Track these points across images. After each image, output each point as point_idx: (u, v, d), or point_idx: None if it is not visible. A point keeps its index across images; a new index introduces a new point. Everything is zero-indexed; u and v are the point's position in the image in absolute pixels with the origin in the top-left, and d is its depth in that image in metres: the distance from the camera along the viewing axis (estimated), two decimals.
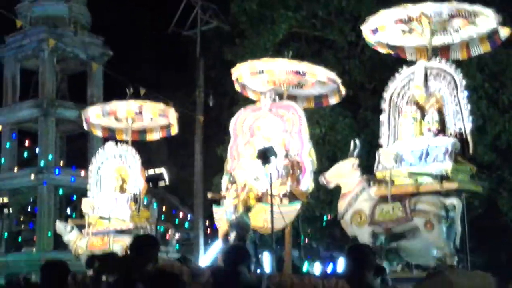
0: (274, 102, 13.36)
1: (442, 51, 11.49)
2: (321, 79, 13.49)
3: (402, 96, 11.18)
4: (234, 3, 22.80)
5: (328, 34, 22.91)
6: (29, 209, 28.62)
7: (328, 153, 20.58)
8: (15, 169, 27.52)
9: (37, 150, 27.06)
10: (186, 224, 30.32)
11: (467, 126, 10.59)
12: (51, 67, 27.13)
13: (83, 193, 26.11)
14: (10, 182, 27.06)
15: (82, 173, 24.13)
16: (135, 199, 14.91)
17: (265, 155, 10.03)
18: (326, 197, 19.89)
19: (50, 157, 26.61)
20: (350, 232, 11.12)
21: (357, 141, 11.43)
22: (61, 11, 27.71)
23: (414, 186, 10.56)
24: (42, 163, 26.63)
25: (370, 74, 22.51)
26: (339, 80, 13.83)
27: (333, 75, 13.76)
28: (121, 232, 14.75)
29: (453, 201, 10.35)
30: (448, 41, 11.45)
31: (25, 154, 28.46)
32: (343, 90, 13.97)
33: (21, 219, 28.92)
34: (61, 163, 28.22)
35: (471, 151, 10.58)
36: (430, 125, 10.75)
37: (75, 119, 24.14)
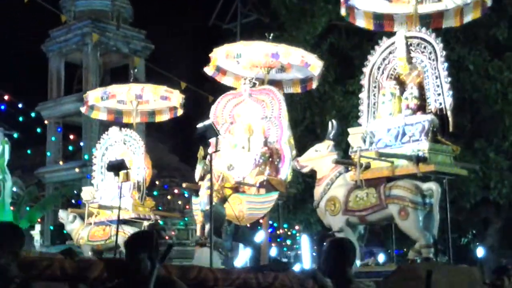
0: (253, 87, 12.21)
1: (434, 19, 10.05)
2: (294, 62, 12.24)
3: (382, 70, 9.74)
4: None
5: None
6: (73, 202, 28.25)
7: None
8: (60, 162, 27.25)
9: (82, 143, 26.72)
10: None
11: (447, 101, 9.09)
12: (95, 61, 26.76)
13: None
14: (55, 175, 26.86)
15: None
16: (138, 187, 13.79)
17: (203, 135, 8.86)
18: None
19: (94, 150, 26.10)
20: (326, 222, 9.79)
21: (334, 122, 10.11)
22: (104, 5, 27.38)
23: (390, 170, 9.12)
24: (86, 157, 26.23)
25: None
26: (316, 63, 12.44)
27: (310, 58, 12.40)
28: (124, 222, 13.77)
29: (430, 185, 8.91)
30: (441, 7, 9.99)
31: (70, 148, 28.11)
32: (317, 73, 12.62)
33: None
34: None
35: (451, 128, 9.08)
36: (408, 101, 9.31)
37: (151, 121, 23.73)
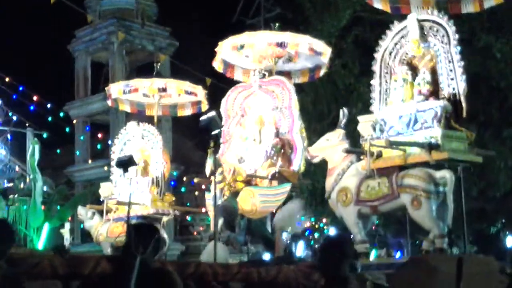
0: (263, 78, 11.86)
1: (452, 5, 9.53)
2: (302, 51, 11.87)
3: (394, 55, 9.33)
4: None
5: (391, 17, 21.84)
6: (102, 200, 28.23)
7: None
8: (89, 161, 27.23)
9: (109, 142, 26.61)
10: None
11: (460, 85, 8.66)
12: (121, 59, 26.66)
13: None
14: (84, 173, 26.85)
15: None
16: (157, 182, 13.54)
17: (207, 127, 8.58)
18: None
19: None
20: (338, 213, 9.44)
21: (345, 110, 9.75)
22: (128, 4, 27.25)
23: (402, 158, 8.72)
24: None
25: None
26: (325, 50, 12.11)
27: (319, 45, 12.04)
28: (142, 218, 13.54)
29: (444, 173, 8.52)
30: None
31: (98, 146, 28.08)
32: (325, 60, 12.27)
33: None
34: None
35: (464, 114, 8.66)
36: (420, 86, 8.89)
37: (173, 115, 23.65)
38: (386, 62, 9.34)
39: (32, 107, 24.96)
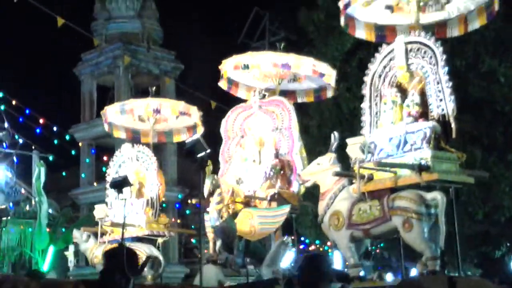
0: (263, 98, 11.89)
1: (438, 29, 9.56)
2: (306, 73, 11.92)
3: (383, 78, 9.26)
4: (302, 14, 22.04)
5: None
6: None
7: None
8: (94, 184, 27.29)
9: None
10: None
11: (449, 106, 8.56)
12: (126, 82, 26.85)
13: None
14: (89, 196, 26.89)
15: None
16: (152, 204, 13.49)
17: (192, 150, 8.54)
18: None
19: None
20: (330, 237, 9.33)
21: (336, 134, 9.70)
22: (134, 28, 27.47)
23: (392, 180, 8.63)
24: None
25: None
26: (329, 72, 12.12)
27: (322, 67, 12.05)
28: (137, 239, 13.46)
29: (435, 195, 8.41)
30: (444, 16, 9.50)
31: (103, 169, 28.12)
32: (332, 83, 12.29)
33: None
34: None
35: (453, 134, 8.59)
36: (410, 108, 8.81)
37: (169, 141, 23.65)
38: (376, 85, 9.29)
39: (38, 130, 25.11)
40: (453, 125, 8.59)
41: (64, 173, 26.91)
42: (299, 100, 12.83)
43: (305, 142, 13.07)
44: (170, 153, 25.68)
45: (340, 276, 7.73)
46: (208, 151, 8.30)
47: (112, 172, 14.17)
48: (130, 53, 25.37)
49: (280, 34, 25.74)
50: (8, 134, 25.04)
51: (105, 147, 28.01)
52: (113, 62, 26.70)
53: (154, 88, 14.53)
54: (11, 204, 24.64)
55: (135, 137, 14.92)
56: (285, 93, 12.48)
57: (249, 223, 11.00)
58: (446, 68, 8.69)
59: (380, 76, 9.30)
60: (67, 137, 26.04)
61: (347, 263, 9.05)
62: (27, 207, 24.91)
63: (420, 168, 8.41)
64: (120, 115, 14.08)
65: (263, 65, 11.88)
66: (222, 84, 12.66)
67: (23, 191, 25.42)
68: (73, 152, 26.13)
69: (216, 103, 20.54)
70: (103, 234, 13.40)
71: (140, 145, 13.95)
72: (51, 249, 24.04)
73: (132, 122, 14.36)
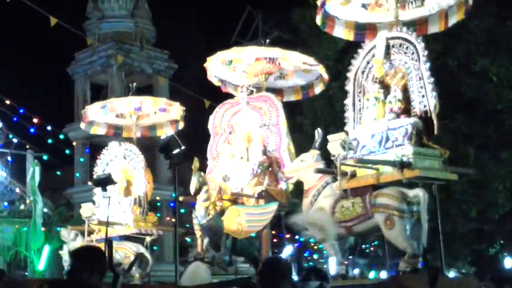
0: (251, 94, 11.68)
1: (419, 26, 9.44)
2: (295, 64, 11.69)
3: (366, 74, 9.20)
4: (295, 13, 22.02)
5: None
6: None
7: None
8: (89, 183, 27.18)
9: None
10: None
11: (431, 102, 8.49)
12: (120, 81, 26.80)
13: (153, 205, 25.38)
14: (84, 195, 26.76)
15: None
16: (139, 202, 13.41)
17: (167, 147, 8.43)
18: None
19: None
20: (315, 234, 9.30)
21: (319, 131, 9.60)
22: (127, 27, 27.46)
23: (375, 177, 8.58)
24: None
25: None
26: (317, 65, 11.96)
27: (310, 60, 11.88)
28: (126, 238, 13.36)
29: (417, 192, 8.32)
30: (424, 12, 9.40)
31: None
32: (325, 76, 12.14)
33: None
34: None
35: (435, 131, 8.50)
36: (392, 104, 8.76)
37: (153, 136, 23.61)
38: (359, 81, 9.24)
39: (32, 130, 25.02)
40: (435, 121, 8.53)
41: (58, 172, 26.82)
42: (286, 98, 12.60)
43: (298, 141, 12.96)
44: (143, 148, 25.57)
45: (318, 274, 7.68)
46: (183, 148, 8.23)
47: (99, 170, 14.07)
48: (123, 53, 25.33)
49: (273, 33, 25.66)
50: (2, 134, 24.98)
51: (99, 146, 27.90)
52: (107, 61, 26.67)
53: (135, 84, 14.47)
54: (5, 203, 24.59)
55: (116, 133, 14.84)
56: (272, 91, 12.23)
57: (236, 221, 10.83)
58: (428, 64, 8.64)
59: (363, 72, 9.26)
60: (61, 137, 25.93)
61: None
62: (22, 206, 24.86)
63: (402, 165, 8.36)
64: (102, 114, 14.02)
65: (246, 59, 11.64)
66: (215, 80, 12.49)
67: (17, 190, 25.36)
68: (67, 151, 26.01)
69: (209, 102, 20.45)
70: (90, 232, 13.30)
71: (127, 142, 13.87)
72: (46, 248, 23.97)
73: (113, 119, 14.27)
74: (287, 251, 11.88)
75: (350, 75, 9.38)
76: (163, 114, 14.00)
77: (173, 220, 13.94)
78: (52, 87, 30.50)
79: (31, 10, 19.49)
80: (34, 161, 24.21)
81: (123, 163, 13.75)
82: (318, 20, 9.61)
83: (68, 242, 13.95)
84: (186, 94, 21.84)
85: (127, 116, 14.02)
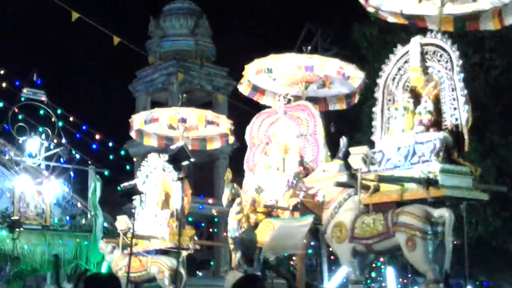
0: (288, 103, 10.98)
1: (470, 22, 8.72)
2: (330, 74, 10.98)
3: (397, 82, 8.47)
4: (355, 29, 21.58)
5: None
6: None
7: None
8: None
9: None
10: (309, 250, 28.13)
11: (463, 116, 7.74)
12: (179, 99, 26.64)
13: (210, 220, 24.84)
14: None
15: (210, 200, 23.27)
16: (177, 215, 12.60)
17: (175, 158, 7.89)
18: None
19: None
20: (333, 250, 8.66)
21: (344, 139, 8.96)
22: (188, 45, 27.44)
23: (398, 194, 7.84)
24: None
25: (496, 95, 20.82)
26: (356, 74, 11.15)
27: (349, 69, 11.05)
28: (161, 252, 12.66)
29: (443, 212, 7.57)
30: (476, 7, 8.59)
31: None
32: (356, 85, 11.36)
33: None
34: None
35: (466, 147, 7.76)
36: (421, 116, 8.00)
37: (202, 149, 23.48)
38: (389, 88, 8.52)
39: (94, 146, 25.10)
40: (466, 137, 7.80)
41: (119, 188, 26.76)
42: (331, 108, 11.97)
43: None
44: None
45: None
46: (192, 160, 7.75)
47: (139, 183, 13.64)
48: (183, 70, 25.28)
49: (333, 49, 25.06)
50: (66, 150, 25.12)
51: None
52: (167, 79, 26.65)
53: (185, 95, 14.01)
54: (67, 217, 24.67)
55: (167, 144, 14.07)
56: (315, 100, 11.58)
57: (270, 234, 10.07)
58: (462, 75, 7.91)
59: (393, 79, 8.54)
60: (122, 152, 25.88)
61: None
62: (83, 221, 24.88)
63: (427, 183, 7.60)
64: (144, 124, 13.37)
65: (286, 67, 11.03)
66: (243, 89, 11.90)
67: (79, 205, 25.40)
68: (127, 167, 25.93)
69: None
70: (127, 246, 12.89)
71: (166, 154, 13.38)
72: (106, 262, 23.90)
73: (163, 130, 13.62)
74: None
75: (380, 81, 8.67)
76: (212, 127, 13.33)
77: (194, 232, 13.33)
78: (114, 104, 30.68)
79: (95, 29, 19.56)
80: (95, 177, 24.14)
81: (162, 175, 13.14)
82: (371, 10, 9.05)
83: (106, 255, 13.62)
84: (244, 111, 21.51)
85: (175, 127, 13.21)
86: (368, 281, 20.72)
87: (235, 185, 10.85)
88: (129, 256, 10.70)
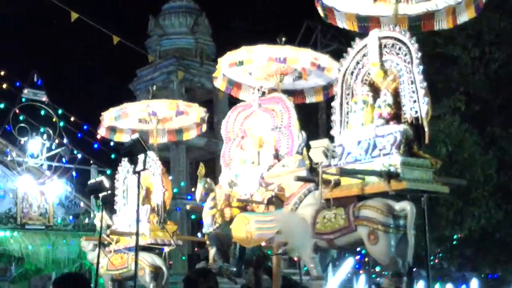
0: (263, 96, 10.66)
1: (425, 21, 8.52)
2: (304, 66, 10.70)
3: (356, 75, 8.30)
4: None
5: (450, 50, 21.43)
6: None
7: (456, 172, 18.98)
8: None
9: (170, 177, 26.38)
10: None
11: (423, 108, 7.56)
12: (180, 97, 26.60)
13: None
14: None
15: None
16: (158, 210, 12.42)
17: (131, 152, 7.73)
18: (455, 217, 19.13)
19: (182, 183, 25.92)
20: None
21: (303, 134, 8.83)
22: (187, 43, 27.43)
23: (359, 187, 7.69)
24: (175, 190, 25.83)
25: (496, 89, 20.81)
26: (330, 65, 10.78)
27: (323, 59, 10.75)
28: (142, 249, 12.04)
29: (404, 205, 7.42)
30: (431, 7, 8.44)
31: None
32: (333, 76, 11.10)
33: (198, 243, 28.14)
34: (192, 189, 27.29)
35: (427, 140, 7.58)
36: (381, 109, 7.83)
37: (204, 146, 23.49)
38: (348, 82, 8.35)
39: (96, 145, 25.11)
40: (426, 129, 7.61)
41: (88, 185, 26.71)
42: (308, 100, 11.64)
43: None
44: (180, 159, 25.11)
45: (286, 284, 7.01)
46: (148, 152, 7.62)
47: (120, 179, 13.49)
48: (183, 68, 25.25)
49: (333, 45, 24.96)
50: (67, 150, 25.15)
51: (161, 161, 27.82)
52: (167, 77, 26.65)
53: (154, 87, 13.75)
54: (71, 217, 24.71)
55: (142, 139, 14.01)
56: (292, 93, 11.30)
57: (245, 229, 9.81)
58: (421, 67, 7.71)
59: (352, 73, 8.36)
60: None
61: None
62: (86, 220, 24.93)
63: (388, 176, 7.44)
64: (115, 120, 13.20)
65: (258, 60, 10.67)
66: (219, 84, 11.59)
67: (82, 204, 25.46)
68: None
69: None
70: (108, 243, 12.76)
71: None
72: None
73: (136, 124, 13.39)
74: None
75: (339, 76, 8.51)
76: (185, 117, 13.06)
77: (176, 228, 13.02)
78: (115, 103, 30.58)
79: (95, 29, 19.57)
80: (97, 176, 24.19)
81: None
82: (320, 11, 8.80)
83: (88, 253, 13.42)
84: None
85: (147, 120, 13.16)
86: (373, 276, 20.67)
87: (208, 179, 10.69)
88: (98, 254, 10.49)
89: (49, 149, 21.89)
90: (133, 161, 7.77)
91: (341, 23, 8.88)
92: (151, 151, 12.89)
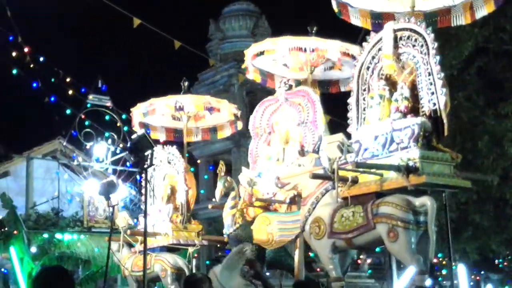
0: (289, 89, 10.13)
1: (441, 17, 8.19)
2: (336, 56, 10.12)
3: (372, 70, 7.97)
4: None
5: None
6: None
7: None
8: (213, 199, 27.09)
9: None
10: (377, 248, 27.37)
11: (441, 100, 7.19)
12: (241, 100, 26.66)
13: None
14: (209, 211, 26.72)
15: None
16: (182, 209, 11.80)
17: (135, 148, 7.44)
18: None
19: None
20: (312, 247, 8.17)
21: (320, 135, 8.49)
22: (247, 46, 27.06)
23: (378, 184, 7.36)
24: None
25: None
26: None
27: (354, 49, 10.00)
28: (165, 249, 11.81)
29: (425, 201, 7.07)
30: (448, 3, 8.09)
31: None
32: None
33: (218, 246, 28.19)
34: None
35: (446, 132, 7.22)
36: (398, 103, 7.49)
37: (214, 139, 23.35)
38: (364, 78, 8.03)
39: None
40: (445, 121, 7.25)
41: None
42: (343, 89, 10.90)
43: None
44: (242, 162, 24.96)
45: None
46: (155, 148, 7.42)
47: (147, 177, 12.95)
48: (244, 71, 25.19)
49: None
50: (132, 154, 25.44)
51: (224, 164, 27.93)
52: (228, 80, 26.71)
53: (186, 83, 13.25)
54: (135, 220, 24.99)
55: (176, 137, 13.20)
56: (327, 83, 10.86)
57: (266, 230, 9.35)
58: (438, 58, 7.35)
59: (368, 68, 8.03)
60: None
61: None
62: None
63: (407, 170, 7.12)
64: (144, 117, 12.56)
65: (280, 50, 10.19)
66: (252, 76, 11.19)
67: None
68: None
69: (329, 116, 19.64)
70: (131, 244, 12.10)
71: (170, 146, 12.39)
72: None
73: (170, 122, 12.87)
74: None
75: (354, 71, 8.18)
76: (217, 114, 12.51)
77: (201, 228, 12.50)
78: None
79: (156, 34, 19.73)
80: None
81: (168, 168, 12.30)
82: (334, 7, 8.53)
83: (114, 254, 12.35)
84: None
85: (179, 117, 12.54)
86: (439, 279, 20.25)
87: (228, 178, 10.32)
88: (108, 253, 9.98)
89: (114, 154, 22.08)
90: (140, 157, 7.50)
91: (355, 20, 8.56)
92: (174, 147, 12.49)
